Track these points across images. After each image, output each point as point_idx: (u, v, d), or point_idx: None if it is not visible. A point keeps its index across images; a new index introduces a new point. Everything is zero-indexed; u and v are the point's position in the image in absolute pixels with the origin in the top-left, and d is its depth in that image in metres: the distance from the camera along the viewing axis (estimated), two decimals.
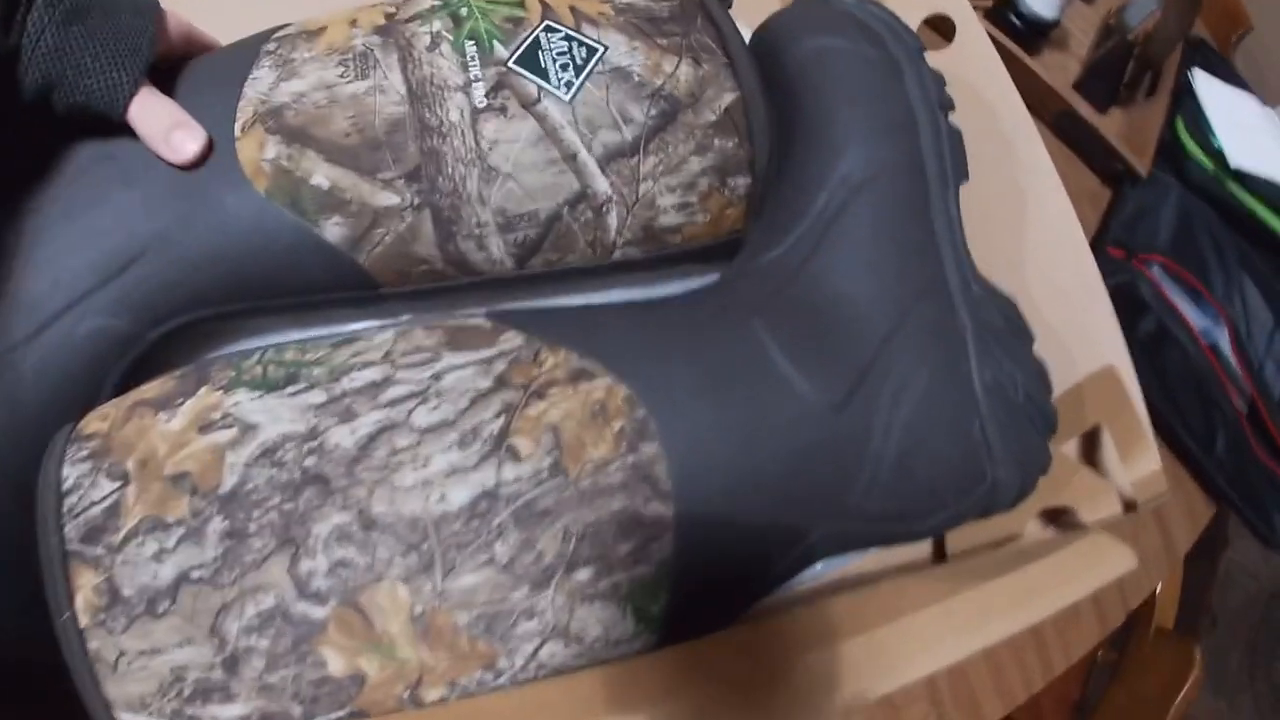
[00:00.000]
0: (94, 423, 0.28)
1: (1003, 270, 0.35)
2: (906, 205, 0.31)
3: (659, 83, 0.31)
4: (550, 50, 0.31)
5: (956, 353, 0.29)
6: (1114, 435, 0.35)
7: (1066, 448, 0.37)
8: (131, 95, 0.29)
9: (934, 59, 0.36)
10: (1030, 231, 0.40)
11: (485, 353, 0.27)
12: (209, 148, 0.30)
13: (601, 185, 0.30)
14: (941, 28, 0.44)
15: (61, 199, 0.30)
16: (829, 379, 0.28)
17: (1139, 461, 0.34)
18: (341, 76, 0.30)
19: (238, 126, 0.30)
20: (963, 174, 0.33)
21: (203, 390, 0.28)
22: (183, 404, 0.28)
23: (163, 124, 0.29)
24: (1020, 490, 0.32)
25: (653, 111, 0.30)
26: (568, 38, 0.31)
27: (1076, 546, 0.33)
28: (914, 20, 0.43)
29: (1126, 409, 0.35)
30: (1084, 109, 0.58)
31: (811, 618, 0.29)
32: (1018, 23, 0.60)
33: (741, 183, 0.32)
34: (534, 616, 0.26)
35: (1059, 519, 0.36)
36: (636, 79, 0.30)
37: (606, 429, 0.26)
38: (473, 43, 0.31)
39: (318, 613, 0.25)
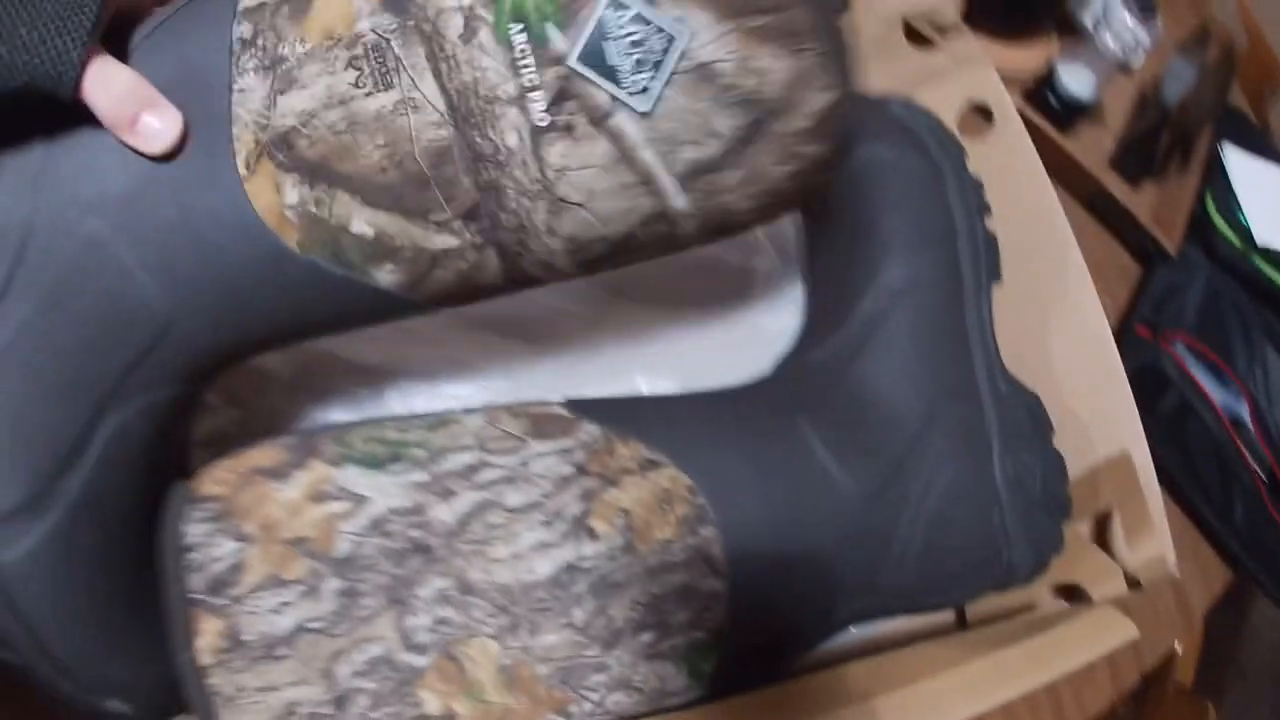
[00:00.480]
0: (210, 485, 0.31)
1: (1030, 359, 0.39)
2: (942, 312, 0.34)
3: (750, 84, 0.26)
4: (619, 39, 0.25)
5: (981, 449, 0.33)
6: (1123, 519, 0.38)
7: (1081, 528, 0.40)
8: (82, 66, 0.23)
9: (973, 147, 0.39)
10: (1056, 322, 0.43)
11: (566, 442, 0.31)
12: (187, 133, 0.25)
13: (680, 203, 0.28)
14: (985, 110, 0.47)
15: (47, 283, 0.26)
16: (865, 472, 0.32)
17: (1145, 545, 0.37)
18: (357, 85, 0.25)
19: (240, 161, 0.25)
20: (995, 274, 0.37)
21: (314, 463, 0.32)
22: (296, 475, 0.32)
23: (128, 104, 0.24)
24: (1034, 569, 0.35)
25: (741, 122, 0.26)
26: (640, 19, 0.25)
27: (1083, 618, 0.36)
28: (957, 107, 0.46)
29: (1137, 495, 0.38)
30: (1117, 188, 0.61)
31: (840, 678, 0.33)
32: (1055, 103, 0.63)
33: (819, 181, 0.29)
34: (603, 670, 0.30)
35: (1070, 594, 0.39)
36: (723, 81, 0.26)
37: (671, 514, 0.31)
38: (520, 28, 0.25)
39: (419, 661, 0.29)
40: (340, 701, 0.30)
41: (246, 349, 0.30)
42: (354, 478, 0.31)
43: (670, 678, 0.31)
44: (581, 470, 0.31)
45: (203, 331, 0.27)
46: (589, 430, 0.32)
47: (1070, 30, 0.69)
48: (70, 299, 0.26)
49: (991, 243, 0.36)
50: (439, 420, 0.33)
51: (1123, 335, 0.59)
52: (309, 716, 0.30)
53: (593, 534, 0.30)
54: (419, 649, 0.29)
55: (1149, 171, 0.66)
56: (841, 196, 0.37)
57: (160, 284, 0.26)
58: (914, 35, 0.48)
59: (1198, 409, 0.56)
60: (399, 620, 0.29)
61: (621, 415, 0.32)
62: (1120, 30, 0.66)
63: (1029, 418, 0.35)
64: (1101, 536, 0.40)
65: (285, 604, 0.30)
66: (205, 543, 0.31)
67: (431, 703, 0.30)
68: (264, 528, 0.31)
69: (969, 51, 0.46)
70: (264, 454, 0.33)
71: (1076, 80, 0.63)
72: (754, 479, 0.31)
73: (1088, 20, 0.67)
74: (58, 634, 0.29)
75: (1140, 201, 0.63)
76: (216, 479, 0.32)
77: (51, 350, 0.26)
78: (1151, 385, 0.56)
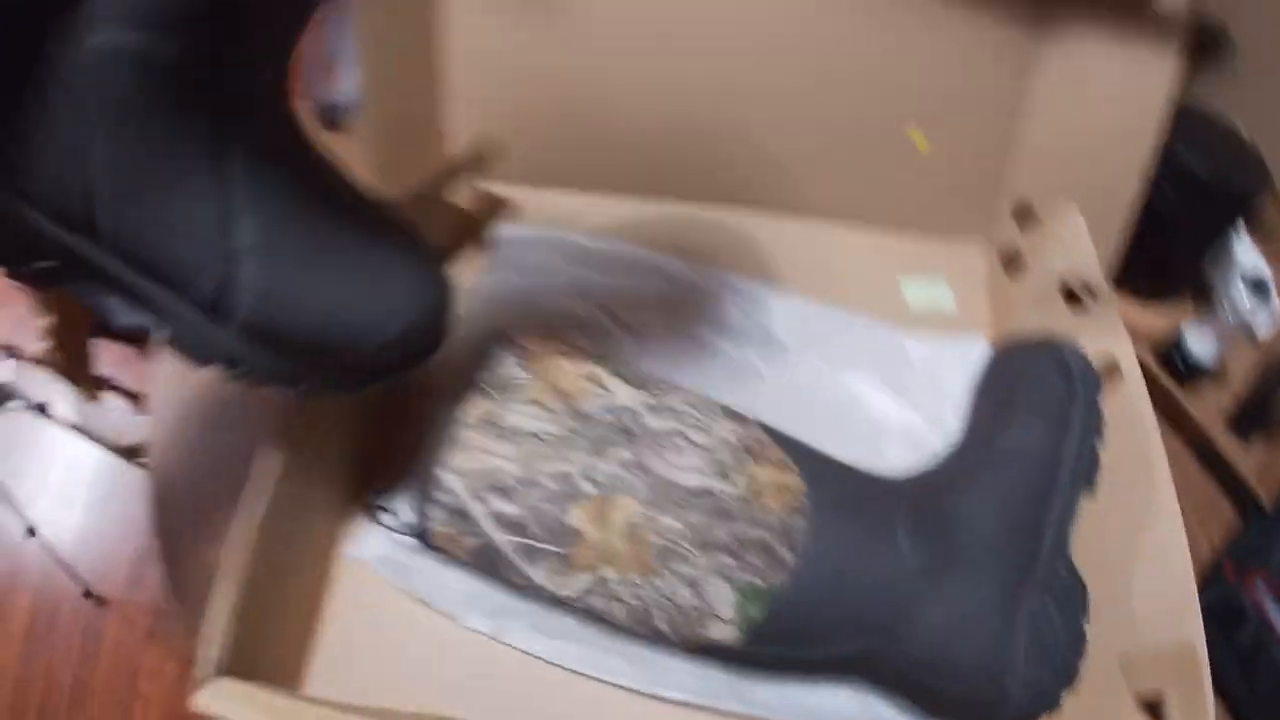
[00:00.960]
0: (526, 341, 0.50)
1: (1103, 567, 0.44)
2: (1033, 485, 0.45)
3: None
4: None
5: (1018, 586, 0.43)
6: (1179, 707, 0.39)
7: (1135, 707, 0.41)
8: None
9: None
10: (1137, 544, 0.45)
11: (743, 430, 0.47)
12: None
13: None
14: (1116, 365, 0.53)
15: (96, 107, 0.29)
16: (924, 552, 0.43)
17: None
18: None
19: None
20: (1090, 483, 0.46)
21: (594, 361, 0.49)
22: (580, 363, 0.49)
23: None
24: (1021, 715, 0.42)
25: None
26: None
27: None
28: (1093, 359, 0.52)
29: (1196, 686, 0.38)
30: (1227, 446, 0.67)
31: None
32: (1180, 363, 0.71)
33: None
34: (686, 563, 0.43)
35: None
36: None
37: (783, 498, 0.44)
38: None
39: (586, 490, 0.44)
40: (525, 483, 0.45)
41: (272, 37, 0.32)
42: (615, 382, 0.48)
43: (725, 601, 0.43)
44: (744, 447, 0.46)
45: (215, 51, 0.30)
46: (760, 433, 0.47)
47: (1205, 296, 0.78)
48: (119, 113, 0.29)
49: (1095, 459, 0.46)
50: (675, 385, 0.50)
51: (1210, 573, 0.65)
52: (499, 483, 0.45)
53: (730, 480, 0.44)
54: (591, 483, 0.45)
55: (1261, 431, 0.71)
56: (1006, 387, 0.51)
57: (155, 39, 0.28)
58: (1068, 294, 0.58)
59: (1270, 646, 0.60)
60: (592, 461, 0.45)
61: (782, 436, 0.48)
62: (1240, 307, 0.73)
63: (1070, 594, 0.44)
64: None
65: (534, 417, 0.46)
66: (504, 364, 0.49)
67: (576, 519, 0.44)
68: (547, 376, 0.48)
69: (1110, 313, 0.55)
70: (565, 349, 0.51)
71: (1201, 344, 0.70)
72: (848, 514, 0.45)
73: (1216, 293, 0.75)
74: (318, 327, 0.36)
75: (1247, 459, 0.68)
76: (531, 340, 0.51)
77: (146, 152, 0.29)
78: (1231, 620, 0.61)
